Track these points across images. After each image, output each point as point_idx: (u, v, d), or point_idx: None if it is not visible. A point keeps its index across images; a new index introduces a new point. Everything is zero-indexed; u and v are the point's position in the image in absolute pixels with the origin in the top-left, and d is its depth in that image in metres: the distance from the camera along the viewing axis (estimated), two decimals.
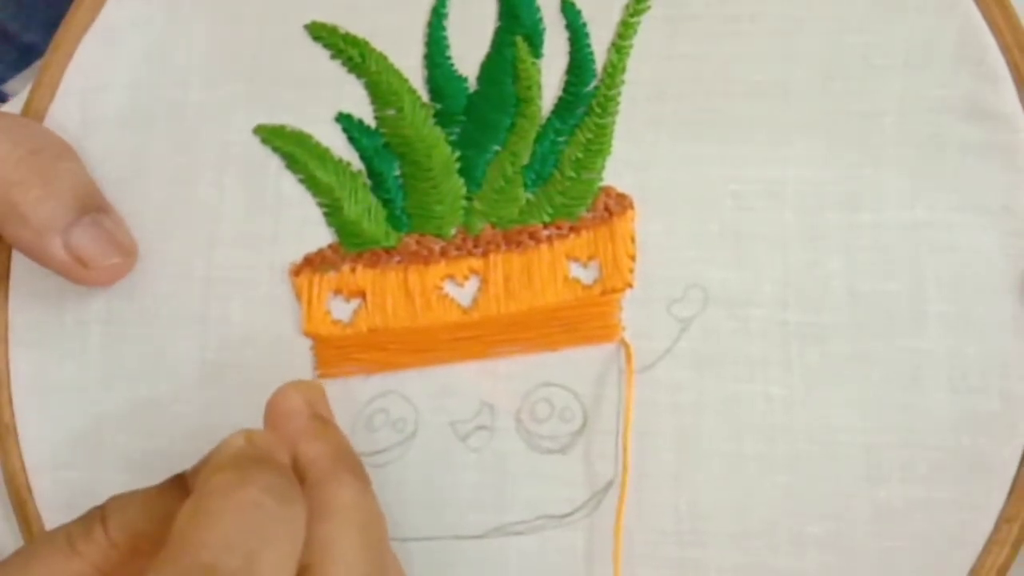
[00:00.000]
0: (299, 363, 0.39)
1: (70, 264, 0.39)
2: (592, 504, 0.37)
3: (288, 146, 0.40)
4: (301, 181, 0.40)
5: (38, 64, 0.43)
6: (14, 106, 0.42)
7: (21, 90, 0.43)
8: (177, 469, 0.34)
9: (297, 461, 0.34)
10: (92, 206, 0.39)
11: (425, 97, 0.40)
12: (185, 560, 0.28)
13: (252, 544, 0.29)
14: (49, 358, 0.41)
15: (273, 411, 0.35)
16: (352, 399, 0.39)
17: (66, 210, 0.39)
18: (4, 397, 0.41)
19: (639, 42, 0.38)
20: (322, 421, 0.35)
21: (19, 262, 0.41)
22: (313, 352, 0.39)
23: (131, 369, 0.40)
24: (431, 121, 0.39)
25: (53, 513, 0.41)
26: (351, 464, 0.34)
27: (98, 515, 0.33)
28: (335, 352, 0.39)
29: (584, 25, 0.39)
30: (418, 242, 0.39)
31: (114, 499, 0.33)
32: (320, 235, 0.40)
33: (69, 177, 0.39)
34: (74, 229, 0.39)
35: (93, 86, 0.42)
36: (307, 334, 0.39)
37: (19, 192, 0.38)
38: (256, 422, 0.35)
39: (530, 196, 0.39)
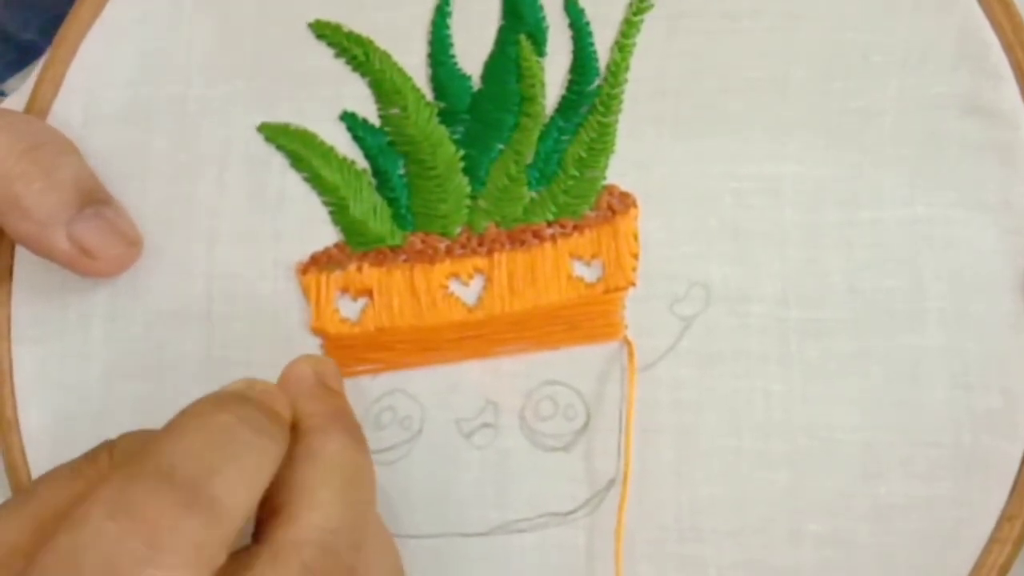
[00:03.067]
0: None
1: (75, 255, 0.39)
2: (594, 502, 0.37)
3: (293, 144, 0.40)
4: (306, 180, 0.40)
5: (36, 63, 0.43)
6: (16, 103, 0.42)
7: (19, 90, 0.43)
8: None
9: (296, 418, 0.34)
10: (94, 198, 0.39)
11: (429, 96, 0.40)
12: (146, 463, 0.29)
13: (214, 458, 0.29)
14: (52, 353, 0.41)
15: (283, 377, 0.35)
16: (361, 397, 0.39)
17: (69, 202, 0.39)
18: (7, 392, 0.41)
19: (641, 40, 0.38)
20: (327, 387, 0.35)
21: (22, 257, 0.41)
22: (322, 350, 0.39)
23: (134, 365, 0.40)
24: (435, 120, 0.39)
25: None
26: (347, 424, 0.34)
27: (107, 445, 0.33)
28: (344, 351, 0.39)
29: (587, 23, 0.39)
30: (423, 241, 0.39)
31: (125, 434, 0.34)
32: (323, 233, 0.40)
33: (71, 170, 0.39)
34: (77, 220, 0.39)
35: (96, 83, 0.42)
36: (316, 331, 0.39)
37: (22, 185, 0.38)
38: None
39: (534, 195, 0.39)
